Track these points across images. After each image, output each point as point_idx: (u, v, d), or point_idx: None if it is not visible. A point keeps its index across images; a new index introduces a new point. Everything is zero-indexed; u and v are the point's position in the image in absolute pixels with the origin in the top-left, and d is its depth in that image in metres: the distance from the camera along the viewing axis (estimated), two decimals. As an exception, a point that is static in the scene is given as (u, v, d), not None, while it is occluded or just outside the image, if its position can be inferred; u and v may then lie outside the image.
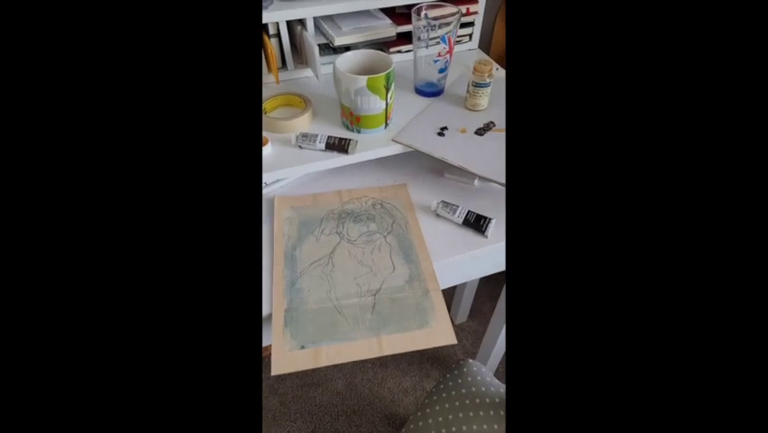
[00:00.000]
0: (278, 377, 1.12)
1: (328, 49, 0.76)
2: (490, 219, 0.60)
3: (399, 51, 0.80)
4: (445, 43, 0.66)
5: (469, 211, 0.61)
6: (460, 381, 0.72)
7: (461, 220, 0.61)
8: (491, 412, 0.67)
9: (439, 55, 0.67)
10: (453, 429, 0.66)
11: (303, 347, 0.49)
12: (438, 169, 0.71)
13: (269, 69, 0.72)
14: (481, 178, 0.63)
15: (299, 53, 0.76)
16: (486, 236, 0.60)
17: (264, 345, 0.58)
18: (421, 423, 0.69)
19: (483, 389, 0.70)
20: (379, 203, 0.66)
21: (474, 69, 0.66)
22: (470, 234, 0.61)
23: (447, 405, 0.69)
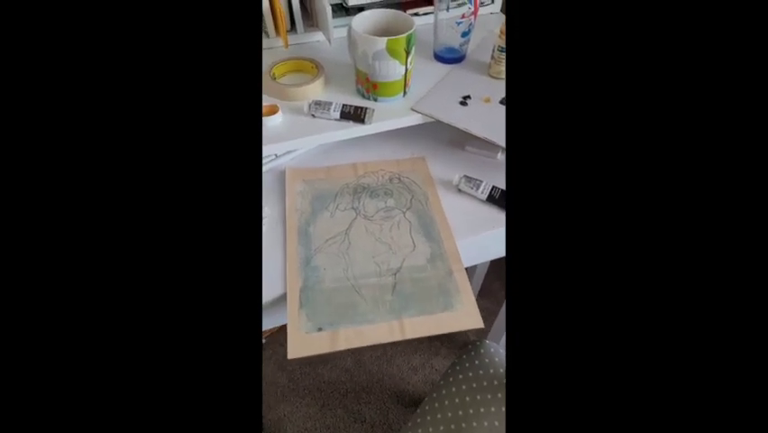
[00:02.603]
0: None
1: (341, 10, 0.70)
2: (517, 195, 0.56)
3: (416, 14, 0.74)
4: (470, 3, 0.61)
5: (493, 187, 0.57)
6: (477, 362, 0.70)
7: (485, 196, 0.57)
8: (509, 394, 0.65)
9: (463, 17, 0.62)
10: (471, 411, 0.64)
11: (320, 329, 0.46)
12: (458, 141, 0.66)
13: (278, 32, 0.67)
14: (506, 151, 0.59)
15: (310, 15, 0.71)
16: (512, 213, 0.56)
17: (279, 324, 0.56)
18: (437, 404, 0.67)
19: (501, 370, 0.68)
20: (397, 177, 0.62)
21: (501, 32, 0.61)
22: (494, 211, 0.57)
23: (464, 386, 0.67)
